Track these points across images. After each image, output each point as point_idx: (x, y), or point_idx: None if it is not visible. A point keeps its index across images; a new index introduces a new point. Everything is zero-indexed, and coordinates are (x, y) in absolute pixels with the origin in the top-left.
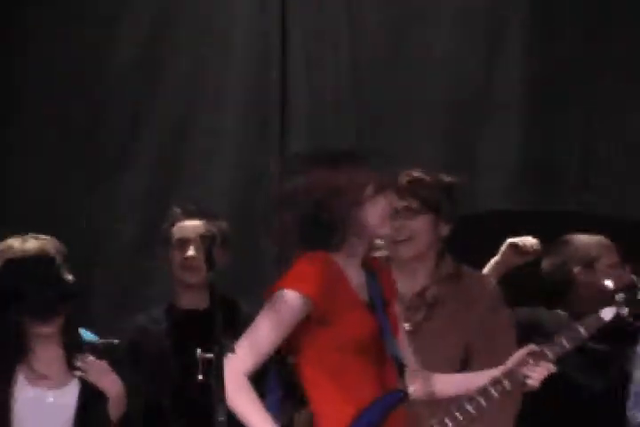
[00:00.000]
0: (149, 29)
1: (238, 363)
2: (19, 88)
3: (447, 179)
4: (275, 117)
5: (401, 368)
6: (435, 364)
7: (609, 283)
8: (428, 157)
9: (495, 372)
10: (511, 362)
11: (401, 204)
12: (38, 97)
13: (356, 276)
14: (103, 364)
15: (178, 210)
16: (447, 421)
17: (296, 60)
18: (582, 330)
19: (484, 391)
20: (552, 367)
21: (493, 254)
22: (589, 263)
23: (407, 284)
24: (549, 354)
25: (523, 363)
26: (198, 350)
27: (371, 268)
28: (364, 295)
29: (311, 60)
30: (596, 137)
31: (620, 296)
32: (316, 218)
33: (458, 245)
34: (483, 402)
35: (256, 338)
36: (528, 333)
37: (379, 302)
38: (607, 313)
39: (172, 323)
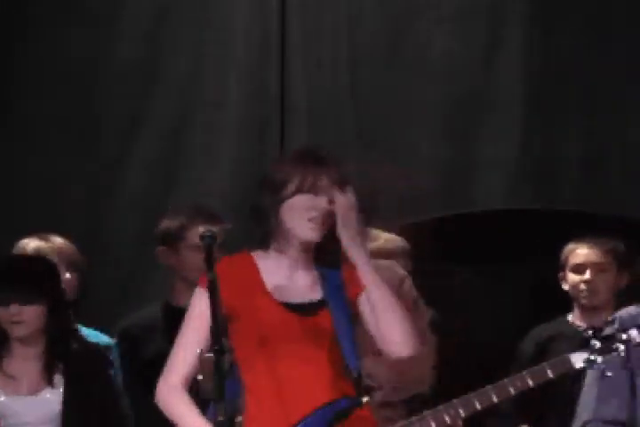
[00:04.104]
0: (149, 29)
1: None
2: (18, 88)
3: None
4: (275, 117)
5: (348, 371)
6: None
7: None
8: (427, 157)
9: None
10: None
11: None
12: (38, 97)
13: (284, 275)
14: None
15: (191, 211)
16: None
17: (296, 60)
18: (549, 371)
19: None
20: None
21: (493, 254)
22: None
23: None
24: (511, 390)
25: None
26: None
27: (334, 265)
28: (310, 294)
29: (311, 59)
30: (596, 137)
31: (594, 343)
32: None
33: (457, 245)
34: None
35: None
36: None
37: (336, 302)
38: (577, 358)
39: (170, 322)
